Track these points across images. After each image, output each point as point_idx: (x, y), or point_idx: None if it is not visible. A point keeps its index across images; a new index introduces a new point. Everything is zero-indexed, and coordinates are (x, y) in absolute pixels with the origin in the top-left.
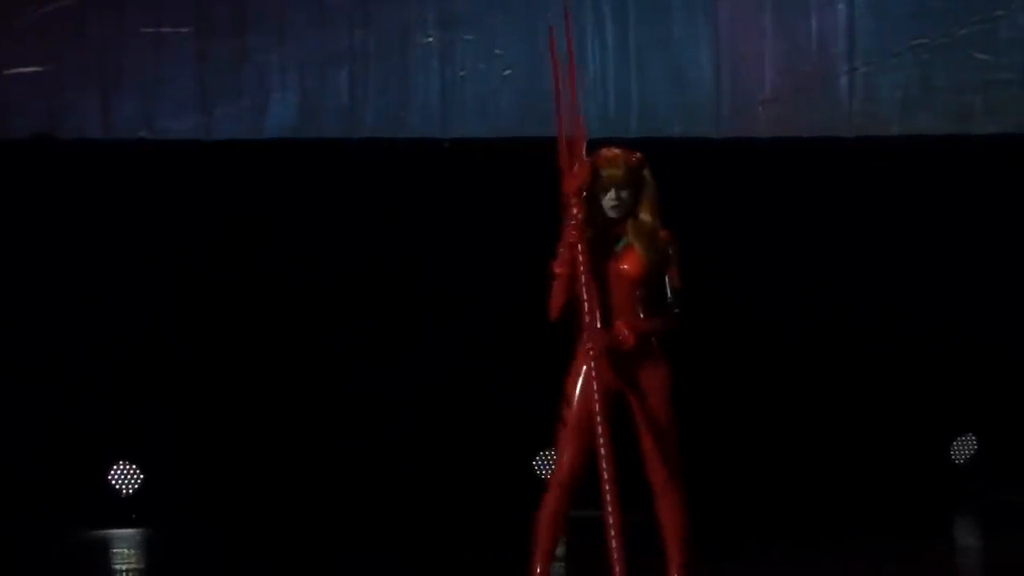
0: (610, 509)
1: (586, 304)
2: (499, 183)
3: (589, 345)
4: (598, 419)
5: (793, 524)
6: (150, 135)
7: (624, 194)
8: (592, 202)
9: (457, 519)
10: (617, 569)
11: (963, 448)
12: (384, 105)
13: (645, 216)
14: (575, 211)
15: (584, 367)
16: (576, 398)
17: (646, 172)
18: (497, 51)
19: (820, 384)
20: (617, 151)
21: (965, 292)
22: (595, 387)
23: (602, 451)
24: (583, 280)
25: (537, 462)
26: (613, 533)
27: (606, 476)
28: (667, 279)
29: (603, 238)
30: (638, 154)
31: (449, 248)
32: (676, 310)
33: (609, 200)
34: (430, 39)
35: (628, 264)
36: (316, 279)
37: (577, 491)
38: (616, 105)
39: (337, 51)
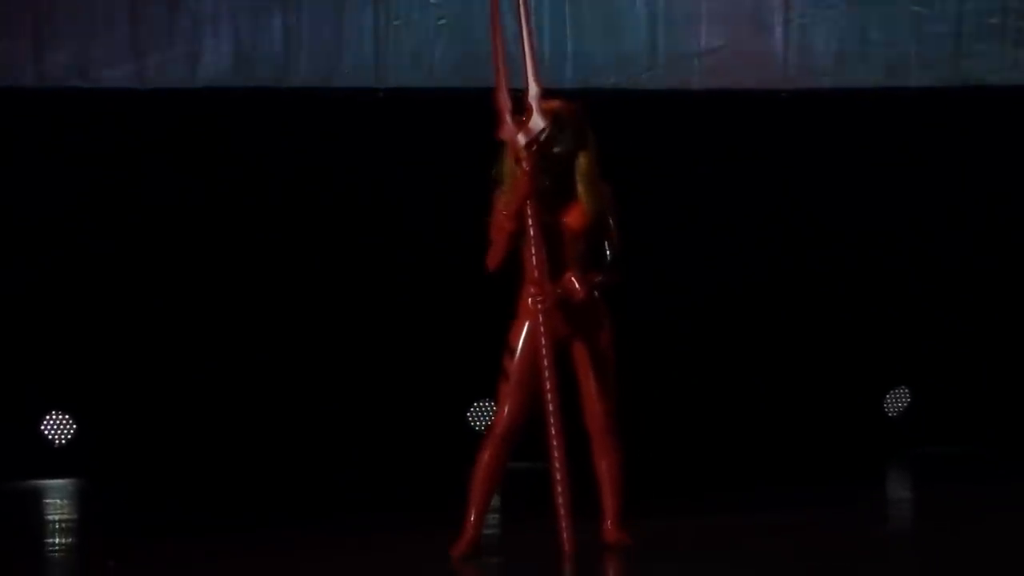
0: (557, 464)
1: (534, 258)
2: (434, 134)
3: (540, 299)
4: (547, 373)
5: (730, 476)
6: (83, 84)
7: (563, 145)
8: (540, 155)
9: (391, 471)
10: (565, 523)
11: (896, 401)
12: (318, 54)
13: (586, 168)
14: (526, 165)
15: (529, 320)
16: (519, 350)
17: (580, 119)
18: (432, 0)
19: (758, 337)
20: (555, 102)
21: (899, 245)
22: (543, 341)
23: (550, 406)
24: (532, 234)
25: (472, 414)
26: (560, 488)
27: (553, 430)
28: (606, 231)
29: (546, 191)
30: (577, 104)
31: (383, 199)
32: (619, 261)
33: (551, 142)
34: None
35: (571, 217)
36: (249, 229)
37: (515, 444)
38: (551, 54)
39: None
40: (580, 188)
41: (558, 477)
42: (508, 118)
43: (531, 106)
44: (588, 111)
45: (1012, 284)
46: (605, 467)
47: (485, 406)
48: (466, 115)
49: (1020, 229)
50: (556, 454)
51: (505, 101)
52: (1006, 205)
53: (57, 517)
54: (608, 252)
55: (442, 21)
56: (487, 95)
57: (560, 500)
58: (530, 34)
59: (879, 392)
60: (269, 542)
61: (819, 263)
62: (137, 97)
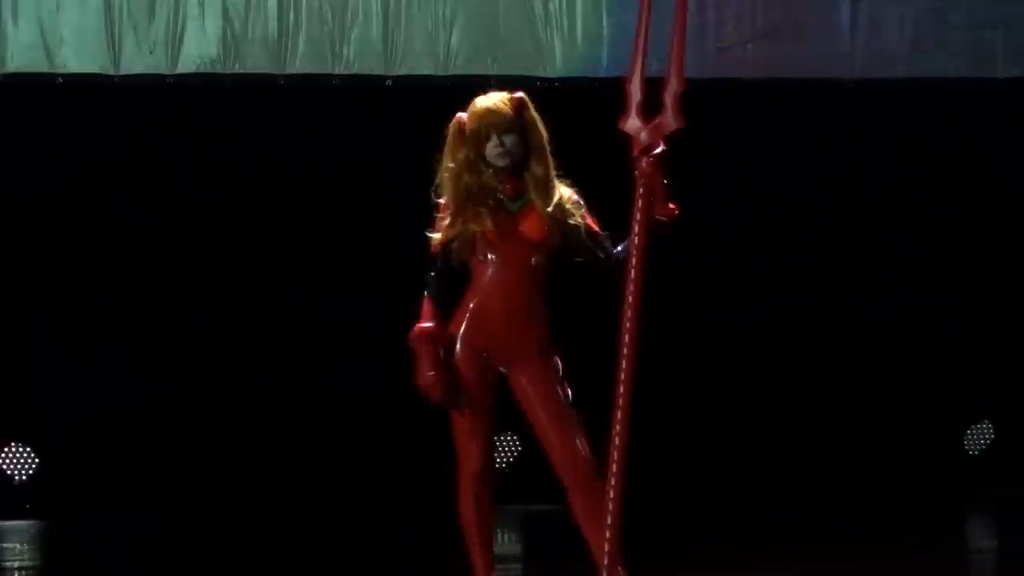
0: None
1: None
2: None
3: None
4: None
5: (803, 517)
6: (49, 69)
7: (508, 140)
8: (475, 165)
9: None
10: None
11: (978, 437)
12: (319, 37)
13: (537, 167)
14: (647, 166)
15: (466, 345)
16: (466, 378)
17: (528, 114)
18: None
19: (834, 368)
20: (494, 94)
21: (983, 258)
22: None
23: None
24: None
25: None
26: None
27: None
28: (586, 231)
29: (496, 200)
30: (518, 94)
31: (391, 196)
32: (613, 256)
33: (493, 148)
34: None
35: (528, 226)
36: (238, 228)
37: (492, 474)
38: (585, 41)
39: None
40: (535, 192)
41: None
42: (635, 110)
43: (666, 104)
44: (531, 105)
45: None
46: (592, 519)
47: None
48: None
49: None
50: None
51: (637, 90)
52: None
53: (17, 564)
54: (602, 251)
55: (457, 2)
56: (507, 85)
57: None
58: (683, 22)
59: (961, 427)
60: None
61: (896, 286)
62: (110, 86)
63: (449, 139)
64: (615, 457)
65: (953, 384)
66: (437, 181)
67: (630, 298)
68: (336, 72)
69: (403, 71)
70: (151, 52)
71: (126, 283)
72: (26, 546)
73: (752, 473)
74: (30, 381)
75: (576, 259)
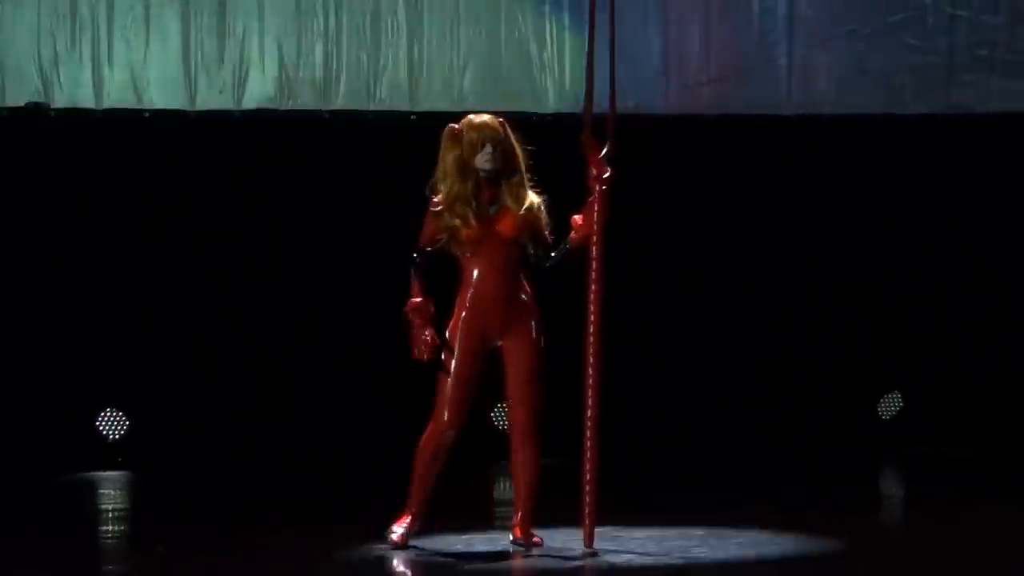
0: (588, 462)
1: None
2: None
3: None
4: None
5: (749, 472)
6: (137, 105)
7: (498, 151)
8: (464, 171)
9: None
10: (588, 520)
11: (889, 405)
12: (356, 79)
13: (513, 178)
14: (602, 186)
15: (463, 319)
16: (457, 348)
17: (509, 133)
18: (462, 28)
19: (759, 350)
20: (485, 115)
21: (893, 260)
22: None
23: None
24: (596, 265)
25: (496, 415)
26: (588, 487)
27: (589, 426)
28: (537, 239)
29: (478, 203)
30: (501, 119)
31: (416, 212)
32: (551, 259)
33: (484, 155)
34: (400, 16)
35: (503, 226)
36: (291, 244)
37: (456, 439)
38: (572, 80)
39: (313, 28)
40: (510, 197)
41: (587, 475)
42: (589, 135)
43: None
44: (511, 127)
45: (1000, 295)
46: (520, 466)
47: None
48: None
49: (1004, 246)
50: (589, 454)
51: (589, 118)
52: (989, 223)
53: (111, 506)
54: (549, 252)
55: (470, 48)
56: (511, 120)
57: (587, 497)
58: (612, 67)
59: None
60: (311, 530)
61: (821, 277)
62: (187, 120)
63: (443, 143)
64: (588, 434)
65: (868, 360)
66: (433, 180)
67: (592, 296)
68: (371, 108)
69: (425, 107)
70: (220, 92)
71: (198, 282)
72: (118, 493)
73: (681, 431)
74: (122, 356)
75: (528, 253)
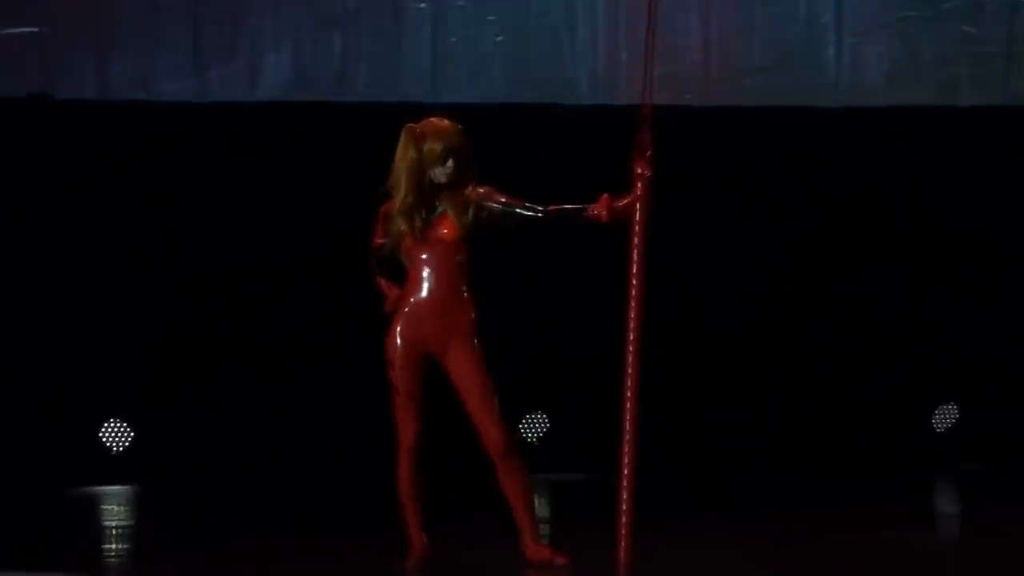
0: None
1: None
2: (489, 150)
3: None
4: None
5: (796, 485)
6: (145, 97)
7: (455, 164)
8: (418, 176)
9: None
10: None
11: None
12: (375, 69)
13: (461, 186)
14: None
15: (398, 329)
16: (398, 361)
17: (466, 142)
18: (489, 17)
19: (811, 353)
20: (447, 122)
21: (948, 263)
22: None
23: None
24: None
25: (524, 425)
26: (625, 498)
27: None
28: (508, 206)
29: (420, 210)
30: (459, 125)
31: None
32: (550, 211)
33: (446, 170)
34: (422, 4)
35: (442, 230)
36: (306, 239)
37: (422, 452)
38: (605, 71)
39: (330, 15)
40: (451, 202)
41: (624, 484)
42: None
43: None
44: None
45: None
46: (509, 487)
47: (537, 418)
48: (521, 131)
49: None
50: (626, 470)
51: (648, 115)
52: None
53: (115, 522)
54: (536, 208)
55: (499, 38)
56: (541, 112)
57: (624, 508)
58: (650, 62)
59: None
60: (321, 545)
61: (871, 280)
62: (197, 111)
63: (402, 142)
64: (627, 449)
65: (925, 371)
66: (390, 181)
67: (633, 291)
68: (389, 100)
69: (449, 100)
70: (230, 83)
71: (203, 287)
72: (122, 507)
73: (749, 443)
74: (127, 367)
75: (516, 226)
